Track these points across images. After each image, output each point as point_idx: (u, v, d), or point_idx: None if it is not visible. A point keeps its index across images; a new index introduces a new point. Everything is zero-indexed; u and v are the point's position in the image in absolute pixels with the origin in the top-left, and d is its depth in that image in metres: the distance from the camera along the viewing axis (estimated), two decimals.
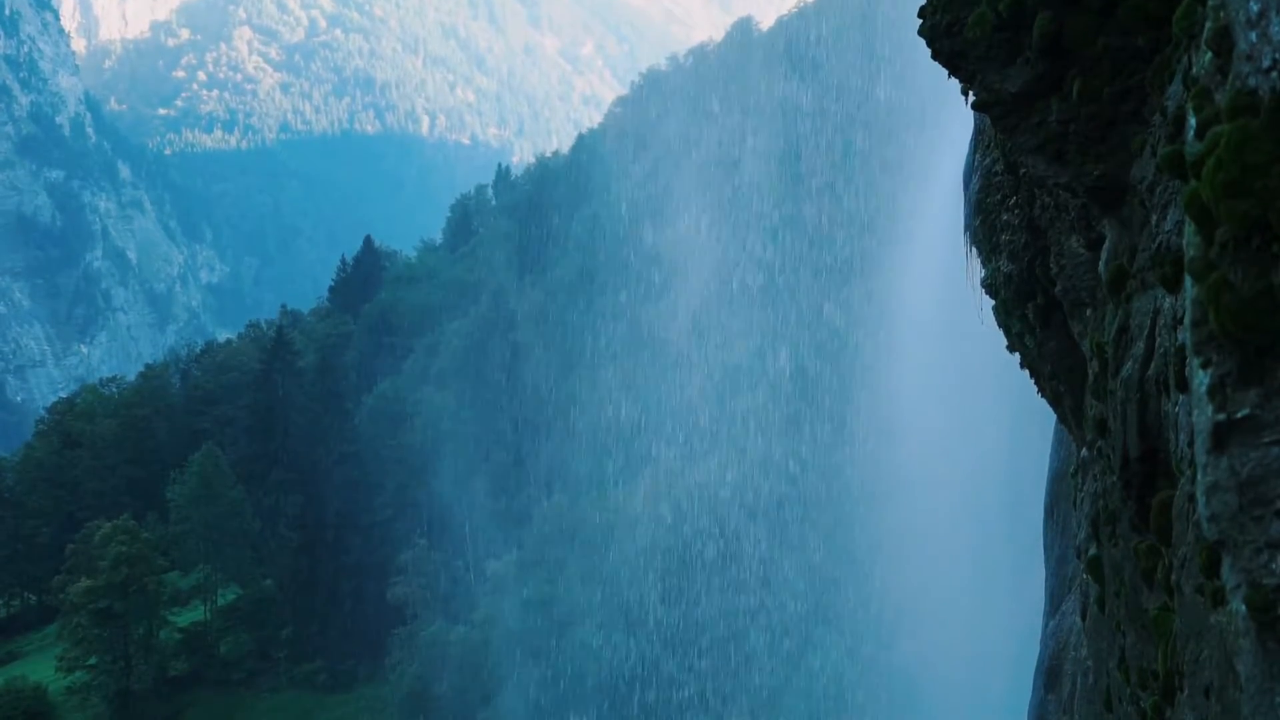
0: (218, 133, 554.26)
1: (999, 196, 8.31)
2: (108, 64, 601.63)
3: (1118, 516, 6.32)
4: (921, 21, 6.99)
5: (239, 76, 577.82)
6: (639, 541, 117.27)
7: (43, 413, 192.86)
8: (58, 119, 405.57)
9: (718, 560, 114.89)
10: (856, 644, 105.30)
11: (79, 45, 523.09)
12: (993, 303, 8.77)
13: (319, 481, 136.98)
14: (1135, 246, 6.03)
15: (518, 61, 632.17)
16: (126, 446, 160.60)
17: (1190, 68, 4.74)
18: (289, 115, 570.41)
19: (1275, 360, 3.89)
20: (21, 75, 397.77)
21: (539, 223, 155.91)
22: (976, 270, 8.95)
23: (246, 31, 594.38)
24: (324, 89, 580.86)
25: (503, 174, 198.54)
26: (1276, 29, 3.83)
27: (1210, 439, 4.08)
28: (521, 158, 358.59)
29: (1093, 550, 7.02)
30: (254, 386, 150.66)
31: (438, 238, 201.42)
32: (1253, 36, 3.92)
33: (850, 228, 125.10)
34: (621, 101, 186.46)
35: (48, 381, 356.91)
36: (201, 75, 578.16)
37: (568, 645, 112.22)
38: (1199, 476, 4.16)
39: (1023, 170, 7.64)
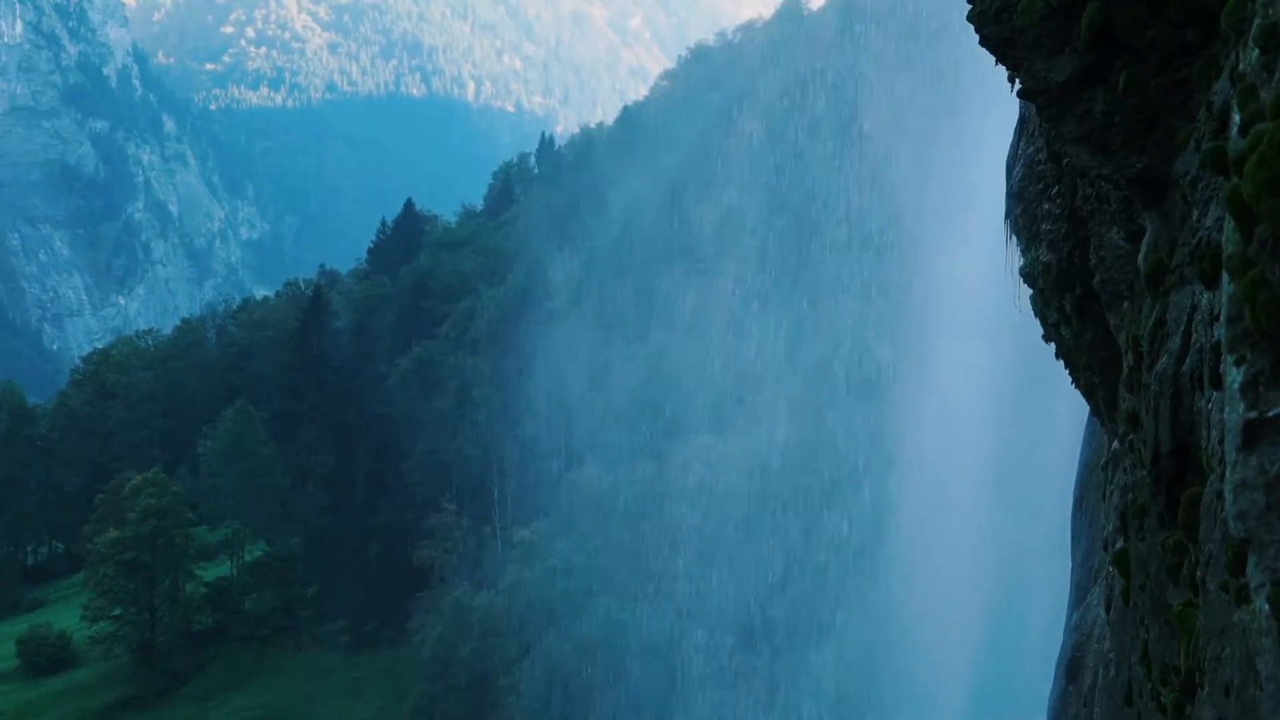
0: (264, 90, 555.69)
1: (1041, 185, 8.28)
2: (157, 17, 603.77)
3: (1146, 511, 6.31)
4: (970, 6, 6.97)
5: (287, 35, 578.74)
6: (667, 514, 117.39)
7: (78, 362, 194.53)
8: (105, 70, 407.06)
9: (745, 536, 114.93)
10: (880, 624, 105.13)
11: None
12: (1030, 292, 8.74)
13: (350, 442, 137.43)
14: (1175, 241, 6.01)
15: (566, 30, 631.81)
16: (160, 399, 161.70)
17: (1238, 64, 4.71)
18: (335, 76, 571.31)
19: None
20: (71, 24, 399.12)
21: (580, 193, 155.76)
22: (1015, 259, 8.93)
23: None
24: (371, 51, 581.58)
25: (546, 143, 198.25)
26: None
27: (1240, 436, 4.08)
28: (565, 127, 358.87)
29: (1120, 543, 7.01)
30: (289, 345, 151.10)
31: (479, 204, 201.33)
32: None
33: (897, 207, 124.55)
34: (668, 75, 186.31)
35: (84, 331, 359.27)
36: (250, 32, 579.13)
37: (592, 615, 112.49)
38: (1228, 474, 4.17)
39: (1066, 160, 7.62)
